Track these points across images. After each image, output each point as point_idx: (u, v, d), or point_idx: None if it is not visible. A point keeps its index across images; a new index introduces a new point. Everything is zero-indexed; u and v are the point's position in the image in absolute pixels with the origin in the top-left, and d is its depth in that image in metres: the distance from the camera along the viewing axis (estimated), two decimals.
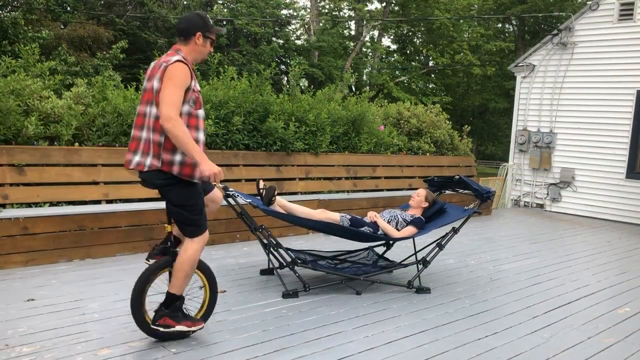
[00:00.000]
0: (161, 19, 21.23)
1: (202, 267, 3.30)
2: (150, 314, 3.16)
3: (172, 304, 3.10)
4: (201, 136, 3.09)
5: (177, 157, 2.96)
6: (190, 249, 3.08)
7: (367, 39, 26.61)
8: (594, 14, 9.56)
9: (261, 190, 4.41)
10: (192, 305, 3.48)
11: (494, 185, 10.73)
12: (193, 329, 3.16)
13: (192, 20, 3.13)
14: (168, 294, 3.10)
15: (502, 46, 27.91)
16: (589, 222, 9.03)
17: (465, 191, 4.95)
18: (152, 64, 3.17)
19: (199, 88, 3.13)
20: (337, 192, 7.44)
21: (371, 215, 4.57)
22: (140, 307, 3.09)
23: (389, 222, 4.55)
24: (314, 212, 4.43)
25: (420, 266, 4.53)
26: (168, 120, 2.83)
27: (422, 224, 4.58)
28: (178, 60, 2.96)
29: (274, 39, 24.57)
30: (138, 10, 21.19)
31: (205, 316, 3.34)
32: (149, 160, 2.97)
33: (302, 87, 17.99)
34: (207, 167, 2.90)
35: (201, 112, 3.11)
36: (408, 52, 30.23)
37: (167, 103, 2.85)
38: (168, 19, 21.33)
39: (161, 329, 3.08)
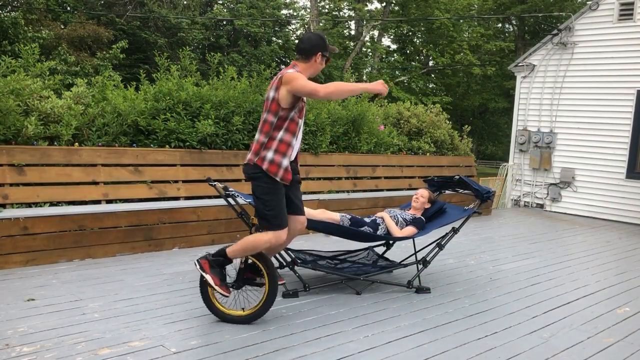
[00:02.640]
0: (161, 19, 21.22)
1: (268, 263, 3.51)
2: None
3: (218, 257, 3.44)
4: (295, 142, 3.47)
5: (269, 155, 3.38)
6: (263, 235, 3.41)
7: (367, 39, 26.62)
8: (593, 14, 9.57)
9: None
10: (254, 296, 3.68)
11: (494, 185, 10.73)
12: (217, 288, 3.38)
13: (314, 41, 3.49)
14: (223, 249, 3.46)
15: (502, 46, 27.93)
16: (589, 222, 9.03)
17: (465, 191, 4.95)
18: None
19: (305, 100, 3.50)
20: (337, 192, 7.44)
21: (382, 215, 4.61)
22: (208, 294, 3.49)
23: None
24: (314, 212, 4.43)
25: (420, 266, 4.53)
26: (324, 89, 3.25)
27: (423, 224, 4.58)
28: (288, 71, 3.38)
29: (274, 39, 24.57)
30: (138, 10, 21.19)
31: (261, 312, 3.53)
32: (251, 156, 3.44)
33: None
34: (372, 85, 3.39)
35: (301, 122, 3.50)
36: (408, 52, 30.24)
37: (311, 87, 3.26)
38: (168, 19, 21.33)
39: (197, 267, 3.42)
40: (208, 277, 3.38)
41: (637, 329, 3.86)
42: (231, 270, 3.68)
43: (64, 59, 14.16)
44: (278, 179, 3.38)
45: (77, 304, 3.72)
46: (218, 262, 3.43)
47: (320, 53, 3.47)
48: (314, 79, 3.71)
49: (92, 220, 4.90)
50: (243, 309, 3.59)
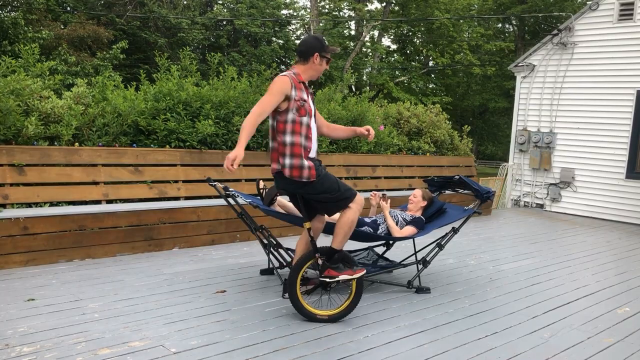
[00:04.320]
0: (161, 19, 21.23)
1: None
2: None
3: (332, 257, 3.56)
4: (303, 141, 3.48)
5: (287, 161, 3.45)
6: (348, 211, 3.54)
7: (367, 39, 26.61)
8: (593, 14, 9.57)
9: (261, 191, 4.41)
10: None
11: (494, 185, 10.73)
12: (355, 276, 3.53)
13: (310, 42, 3.56)
14: (330, 249, 3.57)
15: (502, 46, 27.93)
16: (589, 222, 9.03)
17: (465, 191, 4.95)
18: None
19: (304, 97, 3.52)
20: None
21: (374, 195, 4.67)
22: (296, 295, 3.56)
23: None
24: None
25: (420, 266, 4.53)
26: (248, 115, 3.33)
27: (423, 224, 4.58)
28: (280, 74, 3.45)
29: (274, 39, 24.57)
30: (138, 10, 21.19)
31: (348, 309, 3.65)
32: (274, 165, 3.54)
33: None
34: (233, 151, 3.26)
35: (305, 119, 3.50)
36: (408, 52, 30.23)
37: (257, 105, 3.36)
38: (168, 19, 21.33)
39: (327, 280, 3.53)
40: (344, 276, 3.52)
41: (637, 329, 3.86)
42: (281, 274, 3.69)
43: (64, 59, 14.16)
44: (304, 180, 3.47)
45: (77, 304, 3.72)
46: (335, 261, 3.57)
47: (317, 54, 3.54)
48: (312, 80, 3.74)
49: (92, 220, 4.91)
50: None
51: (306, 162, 3.48)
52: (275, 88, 3.39)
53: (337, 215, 4.42)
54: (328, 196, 3.51)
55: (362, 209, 3.59)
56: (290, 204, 4.44)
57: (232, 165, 3.21)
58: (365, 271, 3.59)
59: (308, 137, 3.53)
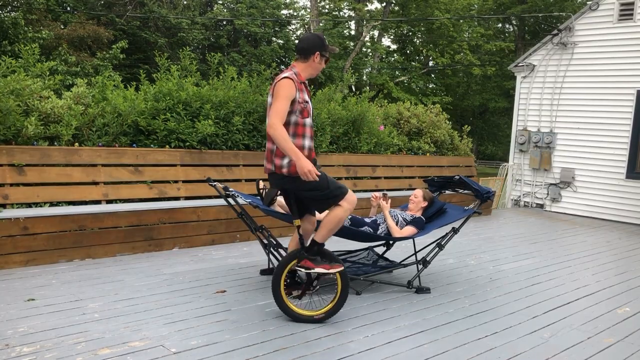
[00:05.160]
0: (161, 19, 21.23)
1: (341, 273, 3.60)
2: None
3: (312, 248, 3.53)
4: (307, 142, 3.53)
5: (285, 161, 3.42)
6: (338, 209, 3.51)
7: (367, 39, 26.61)
8: (594, 14, 9.57)
9: (261, 191, 4.41)
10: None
11: (494, 185, 10.73)
12: (331, 270, 3.49)
13: (311, 40, 3.54)
14: (312, 240, 3.56)
15: (502, 46, 27.94)
16: (589, 222, 9.03)
17: (465, 191, 4.95)
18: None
19: (307, 99, 3.54)
20: None
21: (376, 197, 4.65)
22: (279, 291, 3.54)
23: None
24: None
25: (420, 266, 4.53)
26: (270, 128, 3.29)
27: (423, 224, 4.58)
28: (285, 78, 3.39)
29: (274, 39, 24.58)
30: (138, 10, 21.20)
31: (333, 310, 3.62)
32: (268, 165, 3.52)
33: None
34: (300, 165, 3.27)
35: (308, 121, 3.54)
36: (408, 52, 30.24)
37: (273, 115, 3.31)
38: (168, 19, 21.33)
39: (302, 270, 3.50)
40: (319, 269, 3.48)
41: (637, 329, 3.86)
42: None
43: (64, 59, 14.16)
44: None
45: (77, 304, 3.72)
46: (314, 253, 3.53)
47: (318, 52, 3.53)
48: (313, 79, 3.73)
49: (92, 220, 4.91)
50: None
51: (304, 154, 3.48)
52: (285, 93, 3.36)
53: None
54: (318, 193, 3.47)
55: (353, 208, 3.54)
56: None
57: (313, 174, 3.29)
58: (342, 267, 3.53)
59: (310, 138, 3.55)
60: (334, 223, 3.51)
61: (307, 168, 3.27)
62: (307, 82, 3.65)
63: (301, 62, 3.56)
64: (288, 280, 3.74)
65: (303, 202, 3.67)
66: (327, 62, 3.66)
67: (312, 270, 3.49)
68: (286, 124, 3.43)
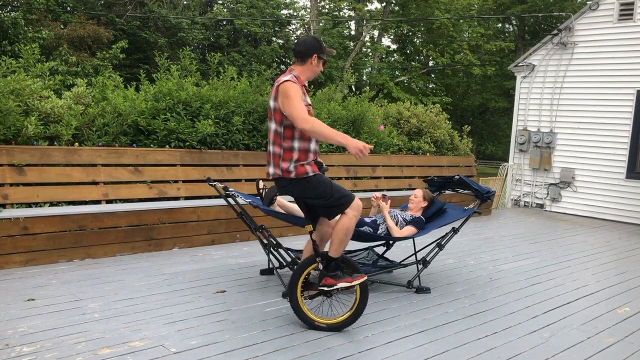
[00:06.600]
0: (161, 19, 21.22)
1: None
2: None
3: (329, 265, 3.46)
4: (312, 145, 3.47)
5: (292, 165, 3.39)
6: (344, 218, 3.44)
7: (367, 39, 26.61)
8: (593, 14, 9.57)
9: (261, 191, 4.41)
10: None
11: (494, 185, 10.73)
12: (354, 282, 3.42)
13: (309, 43, 3.51)
14: (327, 257, 3.48)
15: (502, 46, 27.93)
16: (589, 222, 9.03)
17: (465, 191, 4.95)
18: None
19: (309, 102, 3.52)
20: None
21: (376, 196, 4.62)
22: (297, 300, 3.50)
23: None
24: None
25: (420, 266, 4.53)
26: (304, 123, 3.24)
27: (423, 224, 4.58)
28: (286, 80, 3.35)
29: (274, 39, 24.58)
30: (138, 10, 21.20)
31: (355, 316, 3.53)
32: (274, 169, 3.46)
33: None
34: (352, 144, 3.24)
35: None
36: (408, 52, 30.23)
37: (297, 114, 3.27)
38: (168, 19, 21.33)
39: (326, 289, 3.43)
40: (342, 284, 3.41)
41: (637, 329, 3.86)
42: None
43: (64, 59, 14.16)
44: (310, 174, 3.42)
45: (77, 304, 3.72)
46: (332, 268, 3.46)
47: (316, 55, 3.50)
48: (313, 79, 3.73)
49: (92, 220, 4.91)
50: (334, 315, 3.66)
51: (310, 157, 3.46)
52: (296, 93, 3.32)
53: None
54: (322, 202, 3.44)
55: (359, 214, 3.48)
56: (290, 204, 4.44)
57: (365, 152, 3.26)
58: (365, 277, 3.47)
59: (316, 141, 3.51)
60: (342, 234, 3.43)
61: (359, 145, 3.25)
62: (306, 84, 3.64)
63: (299, 65, 3.53)
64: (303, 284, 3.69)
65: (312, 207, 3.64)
66: (324, 65, 3.64)
67: (335, 287, 3.41)
68: (292, 128, 3.39)
